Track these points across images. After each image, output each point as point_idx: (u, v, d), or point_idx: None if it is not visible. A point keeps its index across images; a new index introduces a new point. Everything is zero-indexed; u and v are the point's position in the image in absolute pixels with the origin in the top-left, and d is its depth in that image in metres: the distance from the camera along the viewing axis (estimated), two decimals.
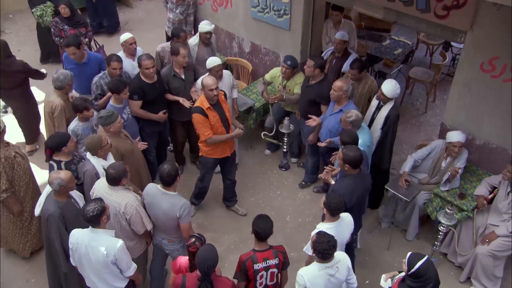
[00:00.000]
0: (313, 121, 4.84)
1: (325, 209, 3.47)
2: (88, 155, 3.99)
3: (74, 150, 4.28)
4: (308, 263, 3.59)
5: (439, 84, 6.94)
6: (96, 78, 5.05)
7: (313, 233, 3.32)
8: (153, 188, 3.76)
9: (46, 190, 3.76)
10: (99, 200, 3.36)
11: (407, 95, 7.01)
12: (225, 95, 4.75)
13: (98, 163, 3.97)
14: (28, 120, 5.89)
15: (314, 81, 4.90)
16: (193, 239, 3.38)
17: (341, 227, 3.53)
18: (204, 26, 5.50)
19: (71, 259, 3.54)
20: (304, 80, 5.09)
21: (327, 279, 3.18)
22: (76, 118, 4.54)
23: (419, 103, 6.99)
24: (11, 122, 5.95)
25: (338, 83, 4.52)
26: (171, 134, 5.59)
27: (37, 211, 3.81)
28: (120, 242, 3.35)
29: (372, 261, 4.74)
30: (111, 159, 4.10)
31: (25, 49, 7.92)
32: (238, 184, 5.54)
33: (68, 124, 4.69)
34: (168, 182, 3.64)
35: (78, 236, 3.38)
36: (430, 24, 4.37)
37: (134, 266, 3.52)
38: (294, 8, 5.51)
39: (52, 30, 6.24)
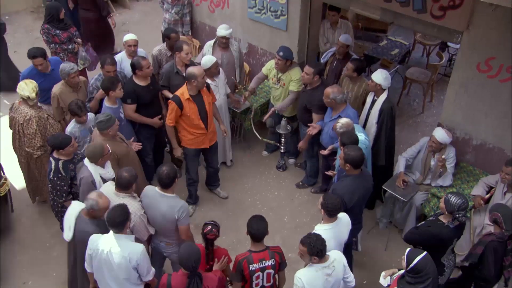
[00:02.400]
0: (313, 128, 4.81)
1: (322, 210, 3.47)
2: (86, 161, 3.95)
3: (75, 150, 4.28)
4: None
5: (436, 85, 6.95)
6: (92, 80, 5.05)
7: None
8: (151, 191, 3.74)
9: (73, 214, 3.63)
10: (124, 205, 3.33)
11: (404, 95, 7.02)
12: (208, 86, 4.76)
13: (95, 171, 3.94)
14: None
15: (310, 87, 4.87)
16: (209, 226, 3.43)
17: (339, 227, 3.53)
18: (220, 30, 5.47)
19: (86, 265, 3.50)
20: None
21: (324, 279, 3.18)
22: (73, 120, 4.57)
23: (416, 104, 7.00)
24: None
25: (326, 90, 4.51)
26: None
27: (68, 236, 3.68)
28: (142, 247, 3.32)
29: (369, 261, 4.75)
30: (108, 167, 4.08)
31: (22, 50, 7.86)
32: (236, 185, 5.56)
33: (63, 112, 4.91)
34: (166, 184, 3.62)
35: (99, 242, 3.34)
36: (426, 25, 4.37)
37: (153, 270, 3.50)
38: (291, 9, 5.51)
39: (44, 38, 6.13)
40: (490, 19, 3.94)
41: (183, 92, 4.54)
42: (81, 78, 5.14)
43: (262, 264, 3.33)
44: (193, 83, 4.49)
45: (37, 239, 4.97)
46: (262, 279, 3.38)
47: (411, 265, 3.02)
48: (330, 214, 3.45)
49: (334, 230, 3.45)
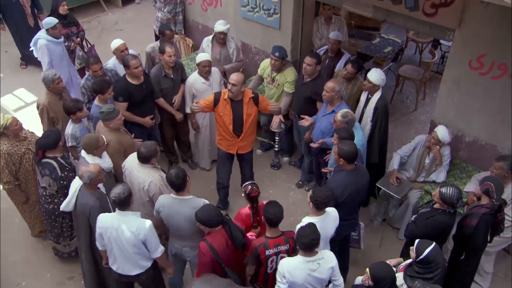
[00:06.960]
0: (306, 121, 4.81)
1: (311, 203, 3.48)
2: (83, 153, 4.03)
3: (64, 150, 4.33)
4: None
5: (428, 82, 6.99)
6: (82, 81, 5.03)
7: (298, 226, 3.35)
8: (166, 199, 3.67)
9: (75, 186, 3.78)
10: (124, 184, 3.52)
11: (397, 93, 7.05)
12: (255, 99, 4.59)
13: (93, 161, 3.98)
14: None
15: (309, 79, 4.87)
16: (249, 186, 3.61)
17: (326, 222, 3.53)
18: (217, 26, 5.47)
19: (97, 243, 3.62)
20: (298, 78, 5.07)
21: (306, 273, 3.18)
22: (70, 121, 4.50)
23: (409, 101, 7.03)
24: None
25: (329, 84, 4.50)
26: (160, 131, 5.53)
27: (68, 207, 3.81)
28: (149, 223, 3.44)
29: (364, 258, 4.76)
30: (105, 157, 4.14)
31: (12, 50, 7.84)
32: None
33: (53, 123, 4.77)
34: (179, 185, 3.55)
35: (107, 220, 3.47)
36: (419, 22, 4.39)
37: (161, 248, 3.57)
38: (284, 7, 5.51)
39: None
40: (482, 17, 3.97)
41: (226, 91, 4.53)
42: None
43: (277, 249, 3.42)
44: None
45: (31, 240, 4.94)
46: (276, 262, 3.46)
47: (421, 257, 3.05)
48: (318, 207, 3.47)
49: (321, 224, 3.41)
